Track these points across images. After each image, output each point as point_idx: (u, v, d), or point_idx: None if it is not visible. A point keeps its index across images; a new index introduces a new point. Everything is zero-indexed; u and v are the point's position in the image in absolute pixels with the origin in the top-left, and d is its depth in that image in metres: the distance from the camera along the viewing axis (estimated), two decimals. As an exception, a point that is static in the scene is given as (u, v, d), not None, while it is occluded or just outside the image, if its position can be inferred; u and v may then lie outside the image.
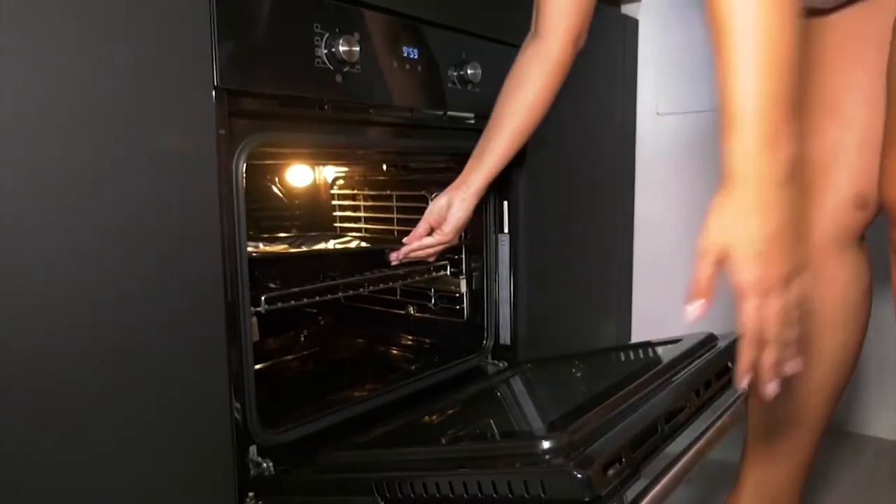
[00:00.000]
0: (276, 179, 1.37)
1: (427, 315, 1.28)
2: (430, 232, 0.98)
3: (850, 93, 0.79)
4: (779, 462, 0.87)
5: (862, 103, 0.79)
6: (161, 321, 0.71)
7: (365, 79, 0.90)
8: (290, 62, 0.81)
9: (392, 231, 1.28)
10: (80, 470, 0.67)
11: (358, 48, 0.86)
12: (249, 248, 0.86)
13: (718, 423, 0.71)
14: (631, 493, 0.60)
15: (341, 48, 0.84)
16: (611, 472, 0.56)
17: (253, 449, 0.83)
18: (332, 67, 0.85)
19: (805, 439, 0.85)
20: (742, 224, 0.58)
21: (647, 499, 0.61)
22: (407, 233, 1.00)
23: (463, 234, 1.19)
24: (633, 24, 1.55)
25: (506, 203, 1.19)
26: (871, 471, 1.21)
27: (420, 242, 0.98)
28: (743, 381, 0.60)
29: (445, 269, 1.20)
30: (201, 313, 0.75)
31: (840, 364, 0.83)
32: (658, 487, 0.62)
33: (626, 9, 1.56)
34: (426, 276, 1.19)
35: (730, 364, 0.74)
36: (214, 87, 0.74)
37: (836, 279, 0.81)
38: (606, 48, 1.46)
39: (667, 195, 1.58)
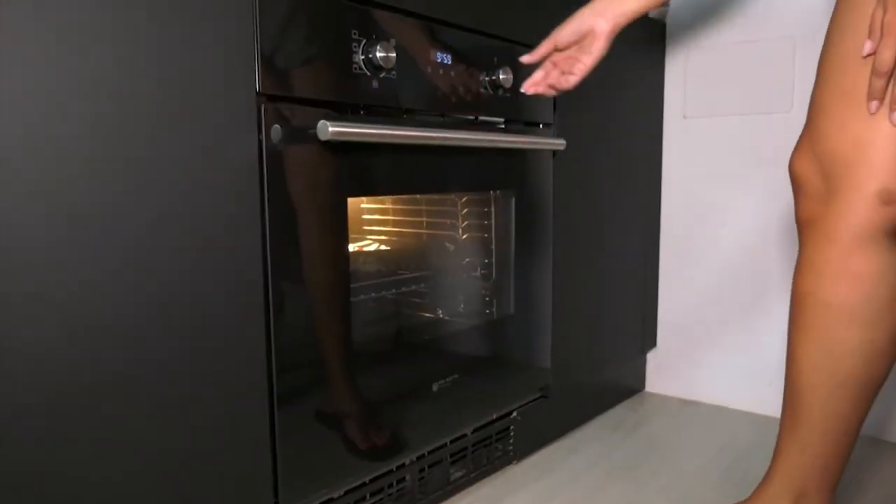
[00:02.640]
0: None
1: (455, 318, 1.28)
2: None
3: None
4: (807, 454, 0.86)
5: None
6: (201, 320, 0.73)
7: (400, 84, 0.91)
8: (329, 68, 0.83)
9: (421, 235, 1.29)
10: (115, 480, 0.68)
11: (394, 54, 0.87)
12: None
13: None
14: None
15: (378, 54, 0.85)
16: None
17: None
18: (368, 73, 0.87)
19: (835, 435, 0.84)
20: None
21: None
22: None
23: (493, 234, 1.20)
24: (659, 27, 1.55)
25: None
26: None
27: (548, 78, 0.98)
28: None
29: (475, 272, 1.21)
30: (241, 312, 0.76)
31: (868, 361, 0.82)
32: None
33: (654, 13, 1.56)
34: (456, 278, 1.20)
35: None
36: (257, 94, 0.75)
37: (861, 276, 0.79)
38: (633, 52, 1.46)
39: (694, 199, 1.57)
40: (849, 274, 0.80)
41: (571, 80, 0.97)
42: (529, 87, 0.99)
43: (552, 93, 1.00)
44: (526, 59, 0.99)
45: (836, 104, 0.80)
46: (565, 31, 0.97)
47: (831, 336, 0.82)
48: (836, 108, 0.80)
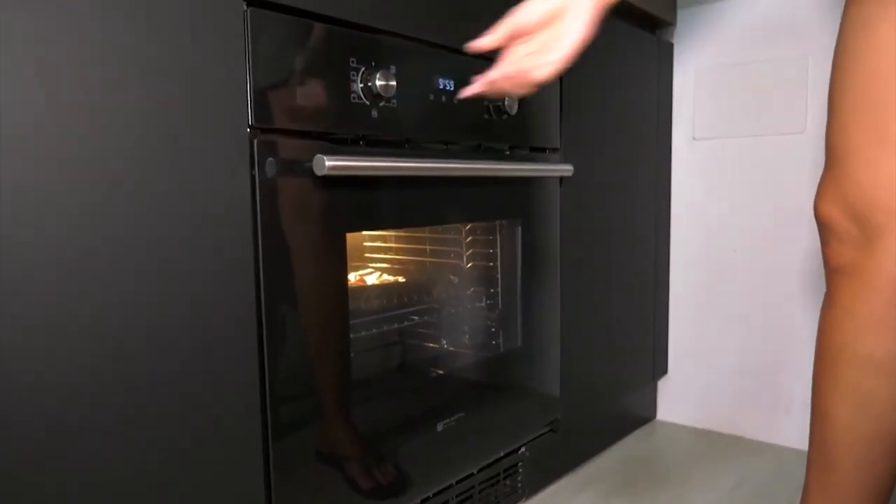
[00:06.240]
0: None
1: (460, 350, 1.24)
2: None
3: None
4: None
5: None
6: (190, 362, 0.69)
7: (400, 113, 0.88)
8: (325, 98, 0.79)
9: (424, 265, 1.25)
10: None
11: (394, 82, 0.83)
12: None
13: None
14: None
15: (378, 82, 0.82)
16: None
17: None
18: (367, 102, 0.83)
19: (871, 494, 0.79)
20: None
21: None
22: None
23: (499, 264, 1.16)
24: (667, 48, 1.51)
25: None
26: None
27: (501, 73, 0.72)
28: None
29: (481, 302, 1.16)
30: (232, 354, 0.72)
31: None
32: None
33: (661, 33, 1.53)
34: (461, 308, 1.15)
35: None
36: (249, 126, 0.72)
37: None
38: (641, 72, 1.42)
39: (704, 222, 1.53)
40: (893, 325, 0.74)
41: (538, 76, 0.70)
42: (473, 88, 0.74)
43: (514, 93, 0.74)
44: (474, 45, 0.73)
45: (864, 141, 0.74)
46: (529, 10, 0.70)
47: (871, 392, 0.76)
48: (863, 145, 0.74)
